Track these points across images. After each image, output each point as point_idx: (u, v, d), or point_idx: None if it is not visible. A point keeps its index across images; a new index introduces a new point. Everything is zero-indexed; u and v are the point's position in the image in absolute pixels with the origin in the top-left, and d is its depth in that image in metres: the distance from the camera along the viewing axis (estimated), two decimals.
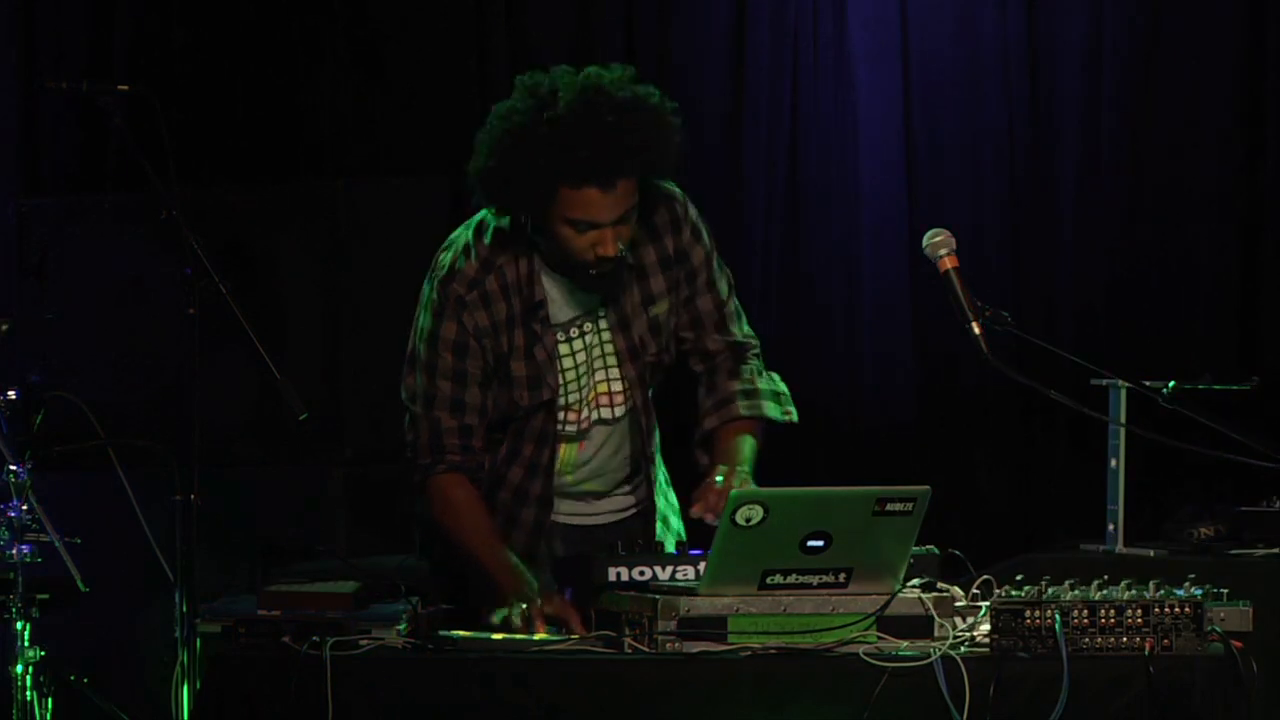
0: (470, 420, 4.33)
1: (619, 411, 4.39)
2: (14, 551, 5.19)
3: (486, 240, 4.32)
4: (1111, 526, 6.11)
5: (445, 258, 4.36)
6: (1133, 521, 6.16)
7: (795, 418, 4.50)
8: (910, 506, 3.73)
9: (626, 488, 4.46)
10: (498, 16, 7.15)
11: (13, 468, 5.29)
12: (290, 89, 7.15)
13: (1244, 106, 6.92)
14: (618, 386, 4.37)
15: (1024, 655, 3.64)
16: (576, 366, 4.35)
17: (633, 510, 4.48)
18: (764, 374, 4.48)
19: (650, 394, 4.43)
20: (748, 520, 3.69)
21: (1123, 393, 5.91)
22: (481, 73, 7.11)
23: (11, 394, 5.53)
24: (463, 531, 4.32)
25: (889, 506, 3.73)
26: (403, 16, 7.18)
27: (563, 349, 4.34)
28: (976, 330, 3.90)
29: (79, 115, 7.06)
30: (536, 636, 3.91)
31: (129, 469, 5.39)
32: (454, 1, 7.18)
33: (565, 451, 4.40)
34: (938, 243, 3.97)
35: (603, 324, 4.35)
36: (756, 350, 4.50)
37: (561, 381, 4.34)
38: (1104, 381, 5.84)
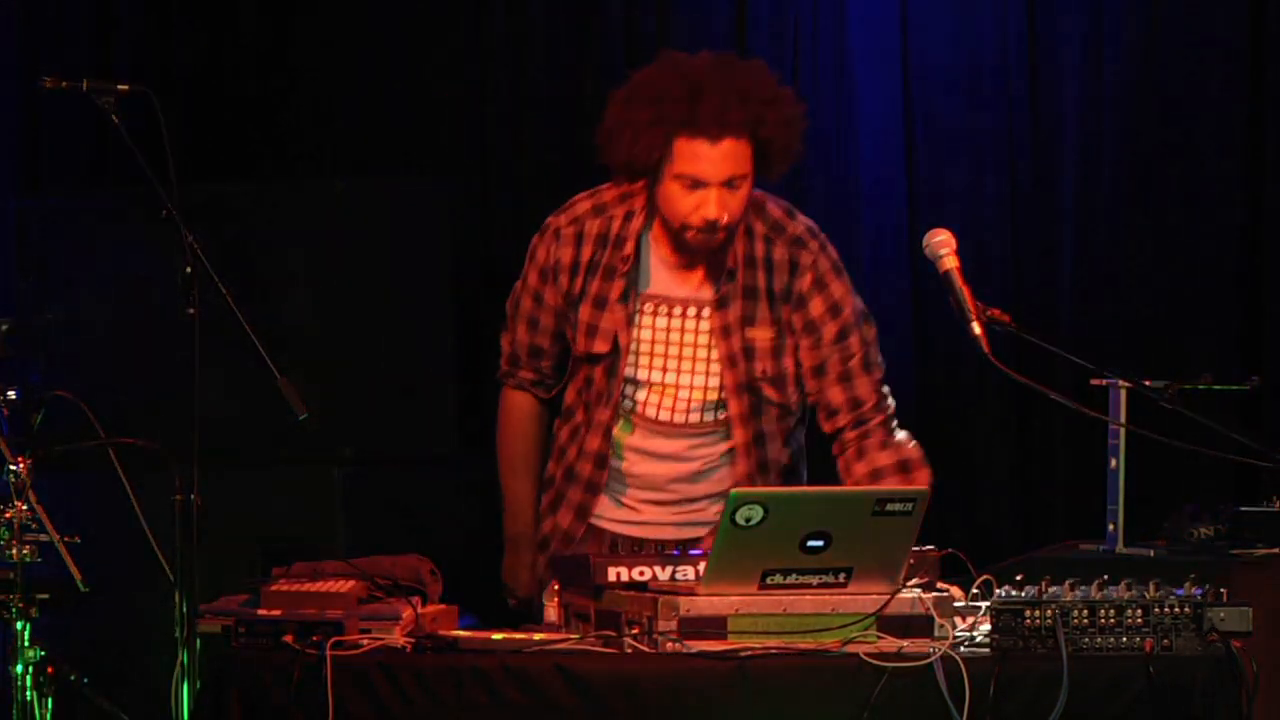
0: (540, 341, 4.50)
1: (705, 416, 4.34)
2: (14, 552, 5.19)
3: (613, 189, 4.42)
4: (1111, 526, 6.10)
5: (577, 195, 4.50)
6: (1133, 521, 6.15)
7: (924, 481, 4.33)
8: (909, 506, 3.73)
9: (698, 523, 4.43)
10: (497, 17, 7.15)
11: (13, 468, 5.29)
12: (290, 88, 7.15)
13: (1244, 106, 6.91)
14: (714, 396, 4.34)
15: (1024, 655, 3.64)
16: (666, 344, 4.35)
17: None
18: (888, 443, 4.36)
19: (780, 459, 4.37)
20: (748, 520, 3.68)
21: (1123, 393, 5.90)
22: (481, 73, 7.12)
23: (11, 394, 5.53)
24: (504, 454, 4.58)
25: (888, 506, 3.73)
26: (402, 16, 7.18)
27: (645, 320, 4.35)
28: (977, 330, 3.90)
29: (79, 115, 7.05)
30: (536, 637, 3.91)
31: (129, 469, 5.39)
32: (454, 1, 7.17)
33: (620, 429, 4.42)
34: (938, 243, 3.97)
35: (704, 323, 4.34)
36: (890, 414, 4.40)
37: (634, 349, 4.35)
38: (1104, 381, 5.83)
